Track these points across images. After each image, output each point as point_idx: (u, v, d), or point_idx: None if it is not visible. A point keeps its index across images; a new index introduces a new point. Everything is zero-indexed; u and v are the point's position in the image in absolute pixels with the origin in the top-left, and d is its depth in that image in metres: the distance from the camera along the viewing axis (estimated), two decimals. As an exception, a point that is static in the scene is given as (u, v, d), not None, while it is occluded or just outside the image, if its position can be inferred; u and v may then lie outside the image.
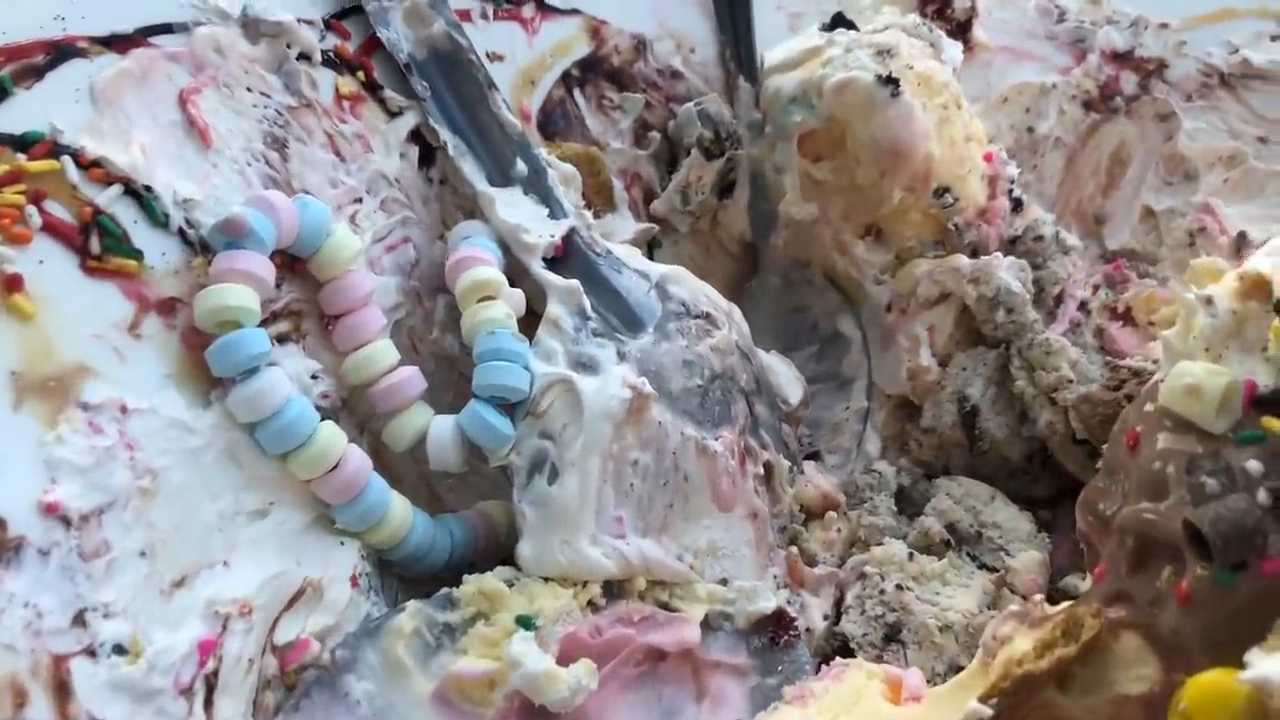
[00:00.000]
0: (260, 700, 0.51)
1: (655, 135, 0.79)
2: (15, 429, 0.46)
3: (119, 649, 0.45)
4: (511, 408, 0.59)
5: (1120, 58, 0.86)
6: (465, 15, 0.70)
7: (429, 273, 0.66)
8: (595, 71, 0.77)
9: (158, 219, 0.53)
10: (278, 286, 0.56)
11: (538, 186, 0.67)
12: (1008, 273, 0.72)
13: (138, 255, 0.52)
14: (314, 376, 0.58)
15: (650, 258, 0.74)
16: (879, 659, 0.61)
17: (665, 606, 0.60)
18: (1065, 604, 0.48)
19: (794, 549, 0.66)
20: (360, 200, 0.63)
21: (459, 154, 0.66)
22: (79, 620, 0.44)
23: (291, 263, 0.58)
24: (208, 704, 0.48)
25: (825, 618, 0.64)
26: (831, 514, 0.70)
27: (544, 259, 0.64)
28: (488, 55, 0.70)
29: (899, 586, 0.63)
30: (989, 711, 0.43)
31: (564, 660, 0.54)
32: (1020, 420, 0.72)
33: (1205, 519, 0.41)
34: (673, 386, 0.62)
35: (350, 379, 0.59)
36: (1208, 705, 0.39)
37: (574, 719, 0.54)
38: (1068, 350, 0.71)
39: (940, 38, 0.77)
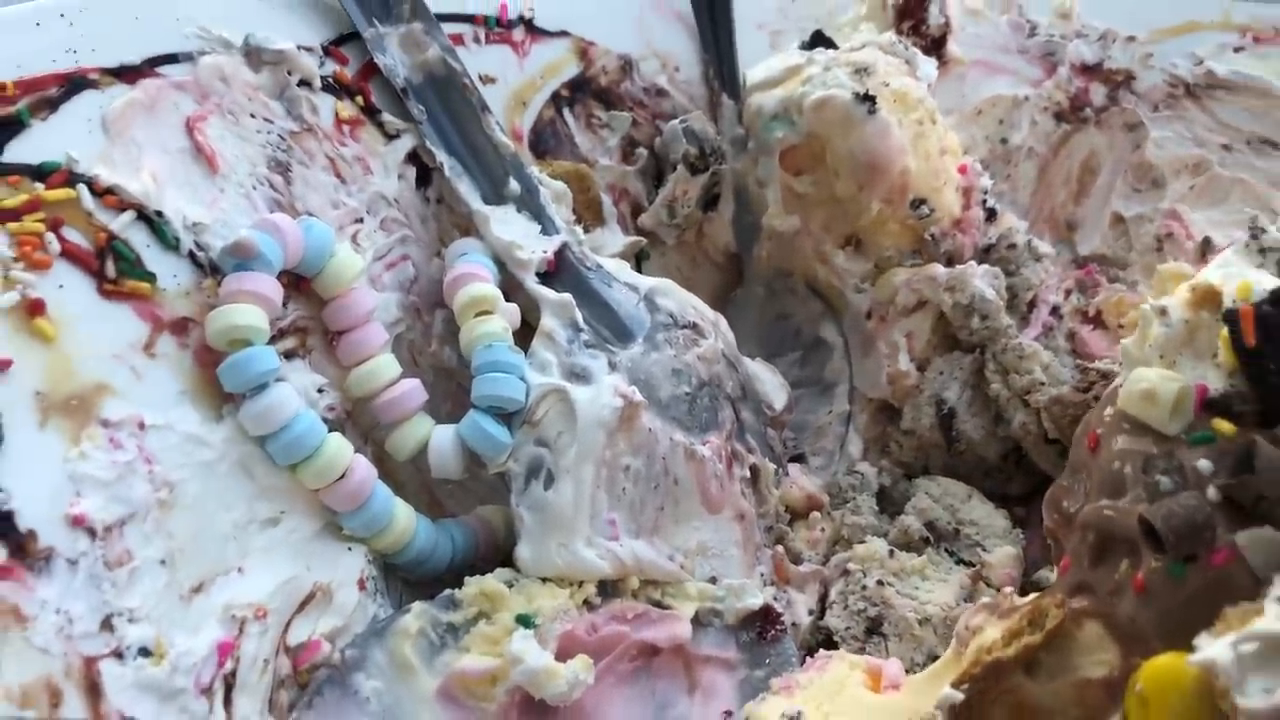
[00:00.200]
0: (275, 699, 0.52)
1: (642, 152, 0.81)
2: (41, 446, 0.48)
3: (144, 651, 0.47)
4: (508, 417, 0.61)
5: (1089, 70, 0.88)
6: (458, 39, 0.72)
7: (428, 289, 0.68)
8: (584, 91, 0.79)
9: (169, 243, 0.55)
10: (284, 305, 0.58)
11: (530, 204, 0.69)
12: (982, 280, 0.74)
13: (151, 278, 0.54)
14: (320, 390, 0.60)
15: (639, 269, 0.75)
16: (861, 651, 0.63)
17: (658, 604, 0.61)
18: (1033, 595, 0.51)
19: (780, 548, 0.68)
20: (361, 220, 0.64)
21: (455, 174, 0.67)
22: (106, 625, 0.46)
23: (297, 282, 0.60)
24: (227, 702, 0.50)
25: (810, 613, 0.66)
26: (816, 514, 0.72)
27: (537, 274, 0.66)
28: (480, 78, 0.72)
29: (880, 582, 0.65)
30: (960, 696, 0.46)
31: (562, 656, 0.56)
32: (995, 421, 0.74)
33: (1159, 515, 0.44)
34: (662, 394, 0.64)
35: (354, 392, 0.61)
36: (1161, 686, 0.41)
37: (572, 712, 0.56)
38: (1040, 354, 0.73)
39: (915, 55, 0.79)
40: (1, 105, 0.52)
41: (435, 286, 0.67)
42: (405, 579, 0.62)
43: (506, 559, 0.61)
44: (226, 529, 0.53)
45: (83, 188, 0.53)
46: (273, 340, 0.57)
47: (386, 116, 0.67)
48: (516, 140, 0.74)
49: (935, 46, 0.86)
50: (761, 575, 0.66)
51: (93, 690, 0.45)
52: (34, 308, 0.50)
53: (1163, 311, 0.49)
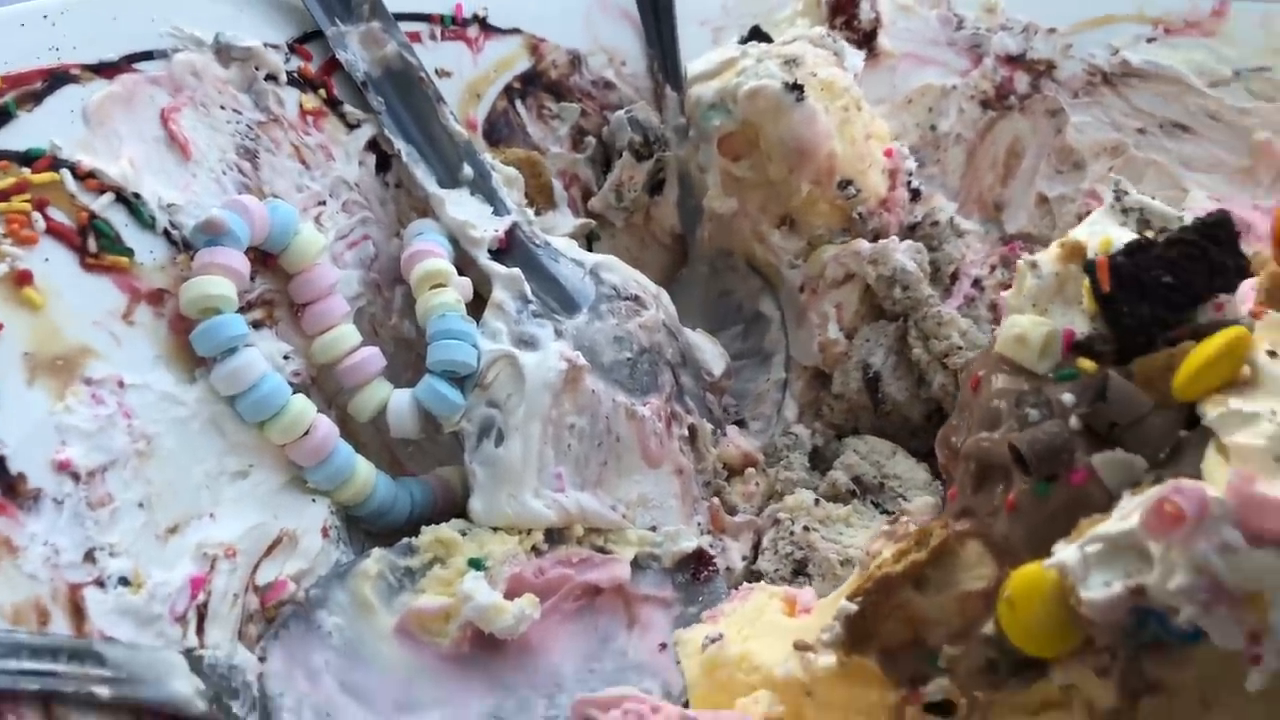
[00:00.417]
0: (244, 631, 0.57)
1: (591, 140, 0.84)
2: (30, 400, 0.52)
3: (124, 581, 0.52)
4: (461, 380, 0.66)
5: (1013, 60, 0.93)
6: (415, 37, 0.76)
7: (387, 266, 0.72)
8: (535, 84, 0.83)
9: (145, 222, 0.59)
10: (252, 279, 0.62)
11: (483, 188, 0.73)
12: (904, 254, 0.79)
13: (129, 253, 0.58)
14: (286, 357, 0.64)
15: (589, 250, 0.79)
16: (786, 588, 0.68)
17: (600, 550, 0.66)
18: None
19: (716, 500, 0.73)
20: (324, 203, 0.69)
21: (412, 160, 0.72)
22: (89, 557, 0.51)
23: (264, 258, 0.64)
24: (199, 630, 0.54)
25: (744, 559, 0.71)
26: (751, 470, 0.77)
27: (489, 251, 0.70)
28: (436, 72, 0.76)
29: (806, 528, 0.70)
30: (854, 607, 0.51)
31: (510, 597, 0.60)
32: (918, 384, 0.79)
33: (1025, 441, 0.49)
34: (605, 359, 0.69)
35: (318, 359, 0.66)
36: (1025, 590, 0.46)
37: (521, 646, 0.60)
38: (958, 321, 0.77)
39: (843, 47, 0.84)
40: (-10, 98, 0.56)
41: (395, 264, 0.72)
42: (368, 530, 0.66)
43: (462, 514, 0.65)
44: (199, 479, 0.58)
45: (66, 172, 0.57)
46: (242, 311, 0.61)
47: (347, 108, 0.71)
48: (471, 130, 0.78)
49: (866, 40, 0.90)
50: (699, 525, 0.71)
51: (77, 613, 0.49)
52: (22, 278, 0.54)
53: (1034, 265, 0.54)
